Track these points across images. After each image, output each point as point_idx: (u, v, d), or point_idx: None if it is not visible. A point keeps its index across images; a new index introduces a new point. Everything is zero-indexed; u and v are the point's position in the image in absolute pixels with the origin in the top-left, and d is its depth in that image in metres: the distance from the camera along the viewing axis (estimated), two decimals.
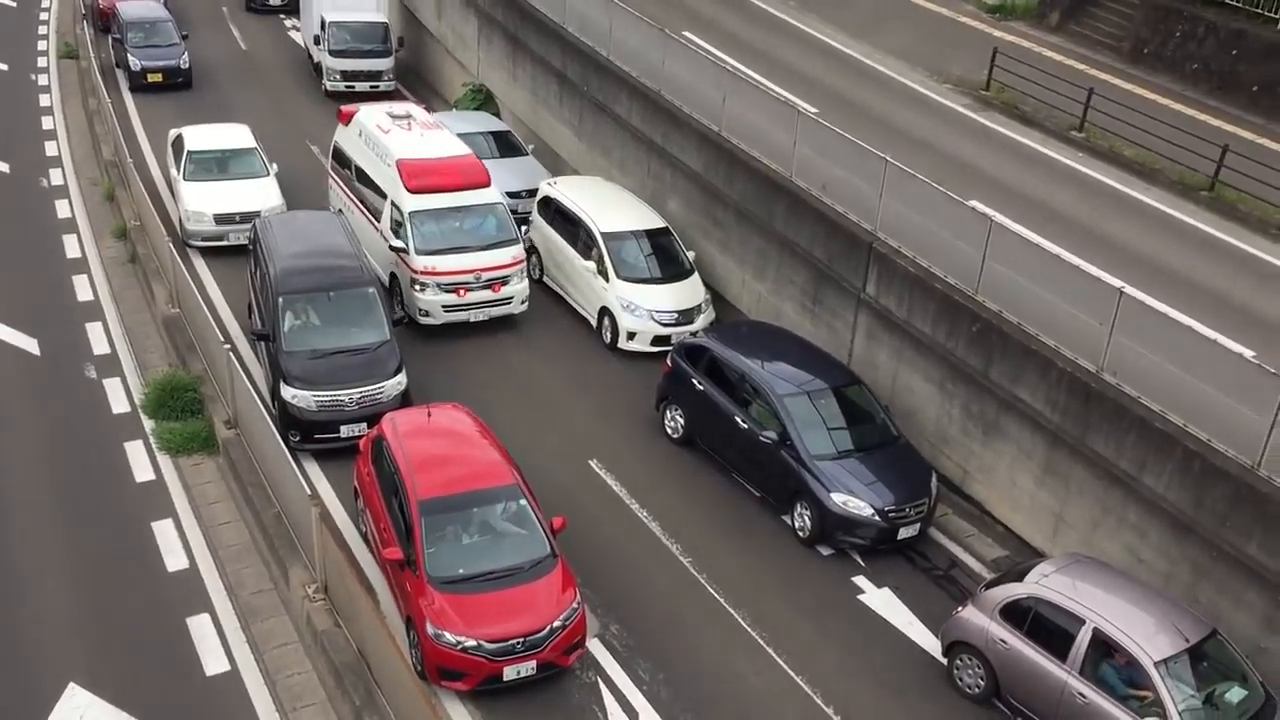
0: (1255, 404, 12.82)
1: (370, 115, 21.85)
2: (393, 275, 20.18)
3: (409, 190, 19.77)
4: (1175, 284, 16.90)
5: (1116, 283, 14.46)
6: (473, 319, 19.78)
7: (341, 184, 22.31)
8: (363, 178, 21.24)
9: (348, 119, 22.29)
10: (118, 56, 31.85)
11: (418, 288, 19.43)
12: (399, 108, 22.54)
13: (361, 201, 21.34)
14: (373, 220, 20.76)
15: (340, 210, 21.76)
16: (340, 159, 22.38)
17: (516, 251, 20.09)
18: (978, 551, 15.69)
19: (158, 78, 30.64)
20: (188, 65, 31.06)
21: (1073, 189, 20.58)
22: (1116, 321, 14.11)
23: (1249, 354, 13.60)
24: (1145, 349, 13.92)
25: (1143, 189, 20.81)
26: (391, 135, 20.93)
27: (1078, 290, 14.68)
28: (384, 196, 20.30)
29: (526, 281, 20.35)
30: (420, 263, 19.33)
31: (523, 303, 20.31)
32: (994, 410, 15.79)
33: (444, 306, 19.53)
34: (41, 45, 35.20)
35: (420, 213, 19.66)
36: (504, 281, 19.87)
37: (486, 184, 20.45)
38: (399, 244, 19.48)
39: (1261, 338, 15.37)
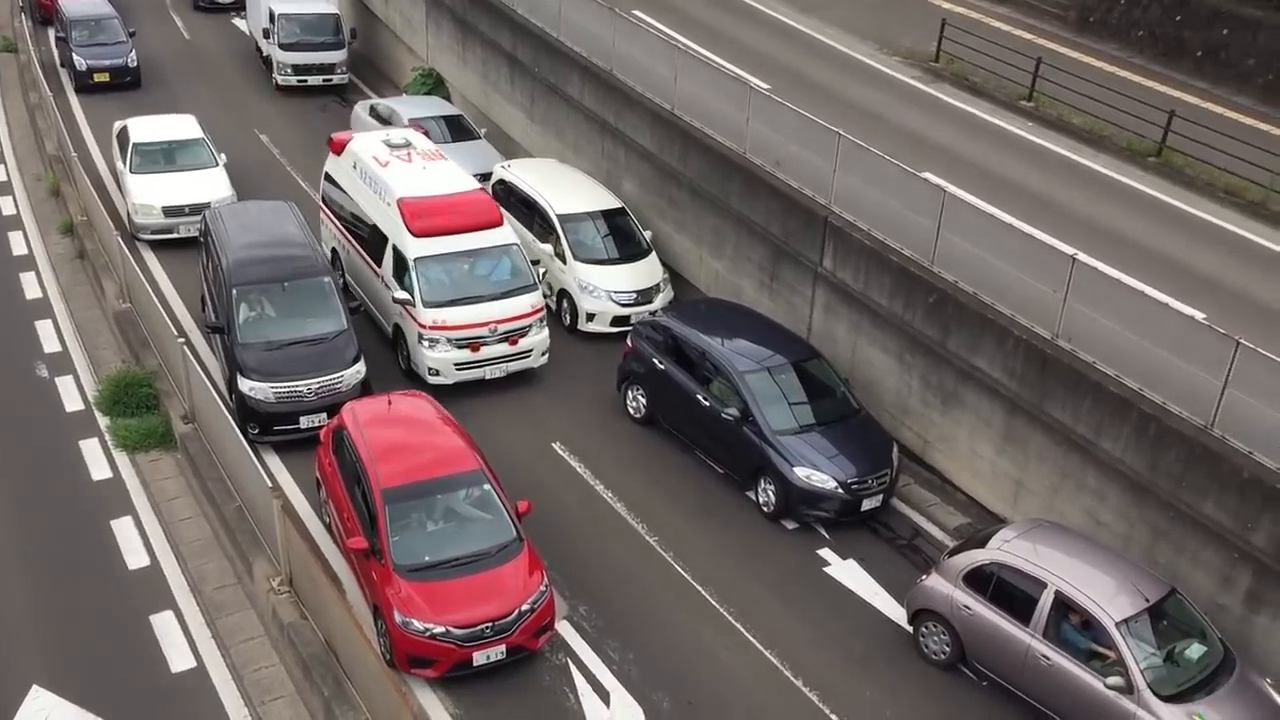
0: (1207, 365, 13.01)
1: (366, 145, 19.87)
2: (396, 328, 18.16)
3: (413, 233, 17.74)
4: (1126, 249, 17.09)
5: (1069, 250, 14.61)
6: (488, 376, 17.80)
7: (335, 221, 20.34)
8: (359, 216, 19.36)
9: (340, 148, 20.27)
10: (62, 55, 30.61)
11: (426, 344, 17.36)
12: (396, 135, 20.40)
13: (359, 242, 19.37)
14: (372, 264, 18.78)
15: (335, 250, 20.21)
16: (333, 193, 20.44)
17: (535, 299, 18.05)
18: (940, 520, 15.86)
19: (105, 77, 29.35)
20: (136, 64, 29.76)
21: (1023, 158, 20.75)
22: (1070, 288, 14.26)
23: (1200, 316, 13.80)
24: (1099, 315, 14.09)
25: (1092, 156, 21.02)
26: (390, 169, 18.97)
27: (1031, 258, 14.82)
28: (384, 239, 18.33)
29: (546, 330, 18.27)
30: (428, 316, 17.31)
31: (543, 354, 18.26)
32: (952, 380, 15.93)
33: (456, 364, 17.50)
34: None
35: (426, 259, 17.61)
36: (522, 333, 17.85)
37: (499, 223, 18.41)
38: (403, 295, 17.48)
39: (1212, 300, 15.58)
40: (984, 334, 15.30)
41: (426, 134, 21.78)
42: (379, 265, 18.50)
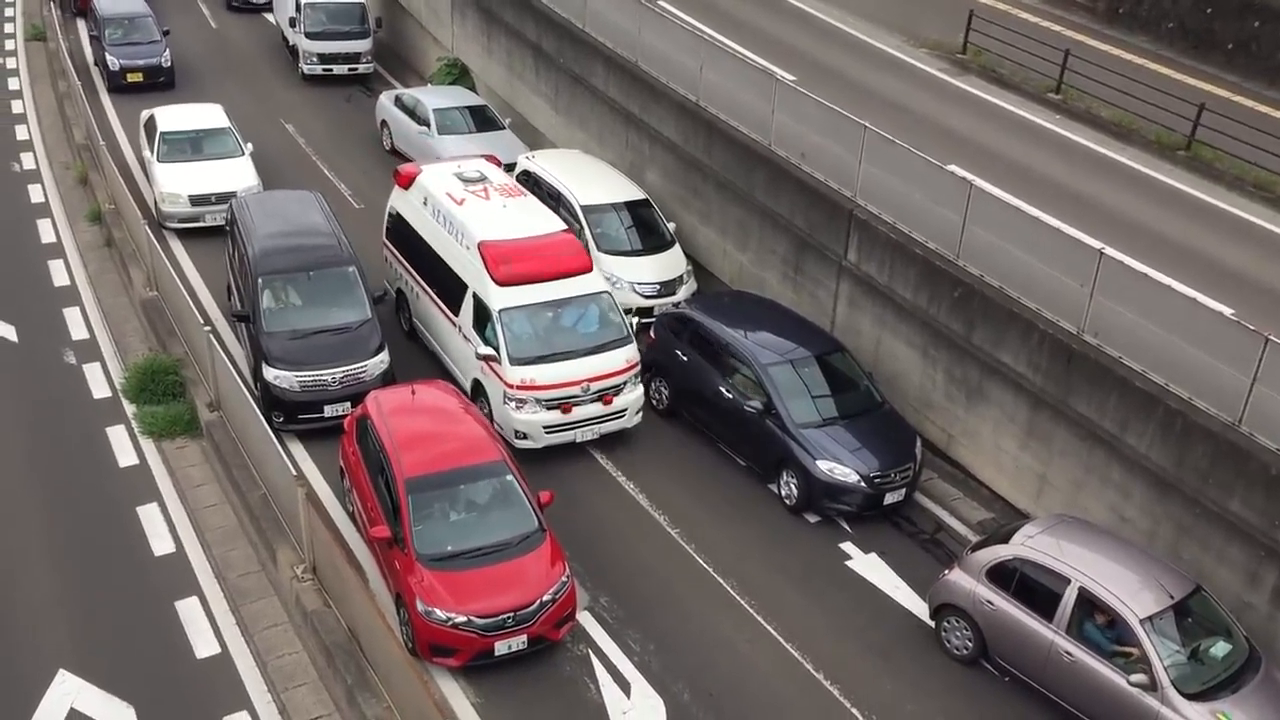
0: (1235, 361, 12.90)
1: (437, 179, 18.44)
2: (476, 383, 16.61)
3: (496, 282, 16.25)
4: (1154, 243, 16.96)
5: (1096, 244, 14.50)
6: (580, 439, 16.33)
7: (403, 262, 18.70)
8: (433, 259, 17.71)
9: (407, 181, 18.77)
10: (95, 54, 30.09)
11: (513, 405, 15.84)
12: (469, 168, 18.89)
13: (432, 287, 17.79)
14: (448, 313, 17.26)
15: (400, 290, 18.87)
16: (400, 232, 18.80)
17: (630, 353, 16.47)
18: (963, 515, 15.80)
19: (138, 77, 28.58)
20: (170, 64, 28.98)
21: (1051, 151, 20.60)
22: (1097, 282, 14.16)
23: (1228, 311, 13.68)
24: (1126, 309, 13.99)
25: (1120, 149, 20.84)
26: (467, 207, 17.52)
27: (1058, 252, 14.72)
28: (462, 286, 16.84)
29: (641, 388, 16.80)
30: (516, 375, 15.77)
31: (637, 413, 16.69)
32: (977, 374, 15.85)
33: (545, 427, 15.98)
34: (9, 28, 34.74)
35: (512, 310, 16.13)
36: (617, 391, 16.34)
37: (589, 268, 16.95)
38: (488, 351, 16.03)
39: (1240, 295, 15.44)
40: (1009, 328, 15.22)
41: (499, 163, 20.28)
42: (455, 313, 17.00)
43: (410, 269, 18.40)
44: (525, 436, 15.92)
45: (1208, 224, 18.35)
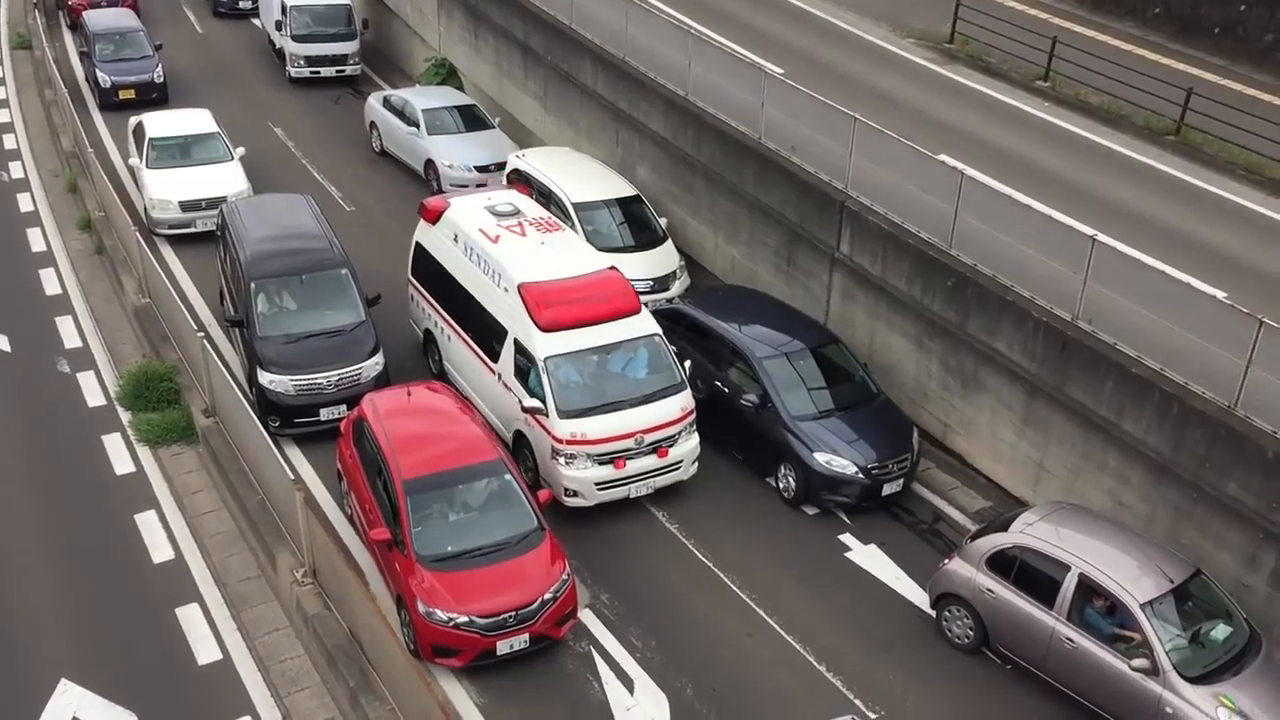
0: (1230, 344, 12.93)
1: (468, 214, 17.21)
2: (519, 436, 15.52)
3: (540, 327, 15.04)
4: (1146, 229, 16.98)
5: (1089, 230, 14.52)
6: (634, 495, 15.18)
7: (432, 302, 17.54)
8: (466, 301, 16.59)
9: (434, 216, 17.56)
10: (86, 71, 29.48)
11: (562, 460, 14.70)
12: (501, 200, 17.76)
13: (466, 331, 16.66)
14: (485, 359, 16.12)
15: (429, 331, 17.81)
16: (428, 269, 17.61)
17: (685, 401, 15.31)
18: (961, 504, 15.82)
19: (130, 94, 27.78)
20: (162, 79, 28.27)
21: (1041, 139, 20.61)
22: (1090, 269, 14.18)
23: (1221, 295, 13.70)
24: (1119, 295, 14.01)
25: (1110, 136, 20.86)
26: (503, 245, 16.31)
27: (1050, 239, 14.73)
28: (501, 330, 15.71)
29: (696, 437, 15.58)
30: (564, 429, 14.59)
31: (693, 464, 15.58)
32: (972, 363, 15.87)
33: (598, 484, 14.85)
34: None
35: (558, 358, 14.94)
36: (672, 442, 15.23)
37: (637, 308, 15.69)
38: (534, 403, 14.82)
39: (1233, 278, 15.47)
40: (1003, 316, 15.24)
41: (529, 191, 19.40)
42: (493, 360, 15.88)
43: (440, 310, 17.29)
44: (576, 494, 14.77)
45: (1199, 208, 18.38)
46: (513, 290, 15.51)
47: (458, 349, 16.87)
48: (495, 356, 15.82)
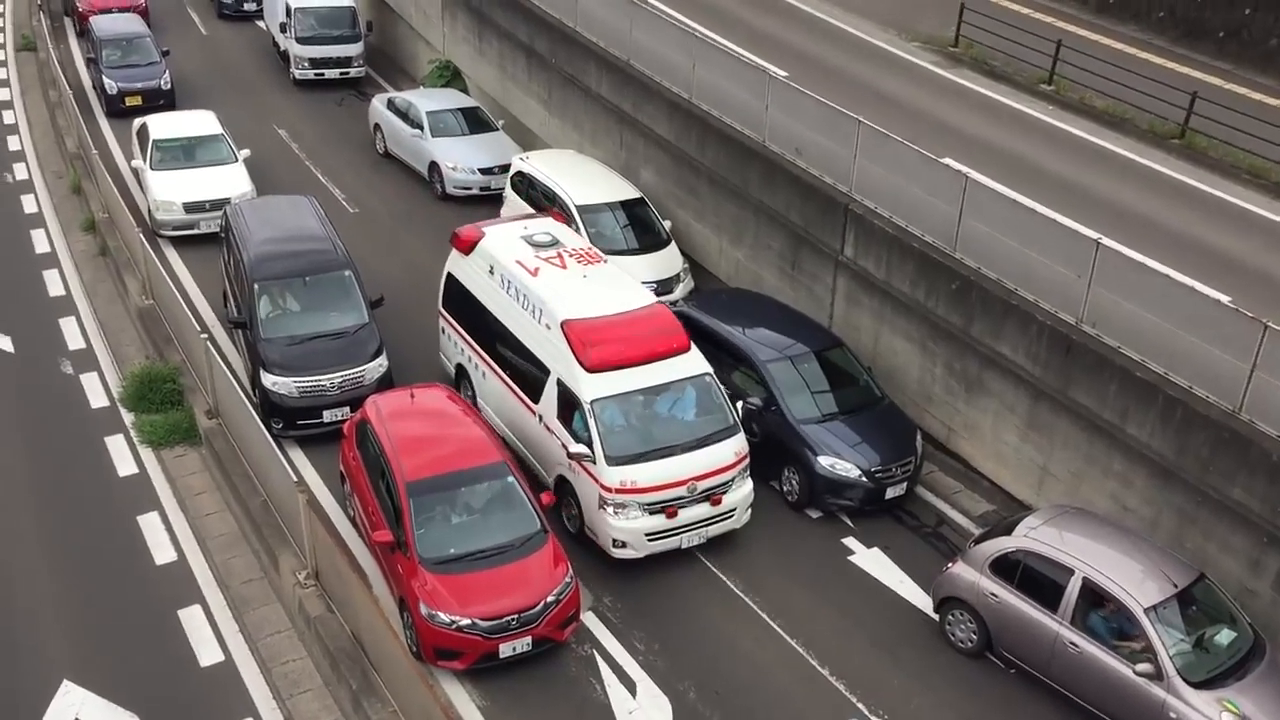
0: (1234, 348, 12.90)
1: (504, 244, 16.34)
2: (562, 481, 14.69)
3: (586, 367, 14.23)
4: (1150, 232, 16.96)
5: (1093, 234, 14.50)
6: (685, 544, 14.36)
7: (465, 336, 16.74)
8: (504, 338, 15.77)
9: (468, 246, 16.63)
10: (92, 78, 29.16)
11: (610, 510, 13.91)
12: (538, 229, 16.78)
13: (504, 369, 15.83)
14: (524, 399, 15.30)
15: (461, 366, 16.98)
16: (461, 302, 16.79)
17: (739, 445, 14.49)
18: (965, 507, 15.80)
19: (137, 100, 27.33)
20: (170, 85, 27.79)
21: (1045, 142, 20.60)
22: (1094, 272, 14.16)
23: (1225, 299, 13.68)
24: (1124, 299, 13.99)
25: (1114, 139, 20.85)
26: (543, 279, 15.43)
27: (1055, 243, 14.72)
28: (542, 369, 14.88)
29: (750, 483, 14.78)
30: (613, 477, 13.78)
31: (746, 511, 14.77)
32: (976, 367, 15.84)
33: (648, 534, 14.03)
34: None
35: (606, 400, 14.13)
36: (725, 489, 14.37)
37: (686, 346, 14.86)
38: (580, 449, 14.03)
39: (1237, 282, 15.44)
40: (1007, 320, 15.22)
41: (565, 220, 18.47)
42: (534, 400, 15.07)
43: (474, 345, 16.47)
44: (624, 545, 14.00)
45: (1203, 212, 18.36)
46: (555, 327, 14.69)
47: (494, 386, 16.07)
48: (536, 396, 15.02)
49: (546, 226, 17.05)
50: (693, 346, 14.98)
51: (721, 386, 14.89)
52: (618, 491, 13.77)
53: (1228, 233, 17.62)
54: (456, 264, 17.00)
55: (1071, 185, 18.68)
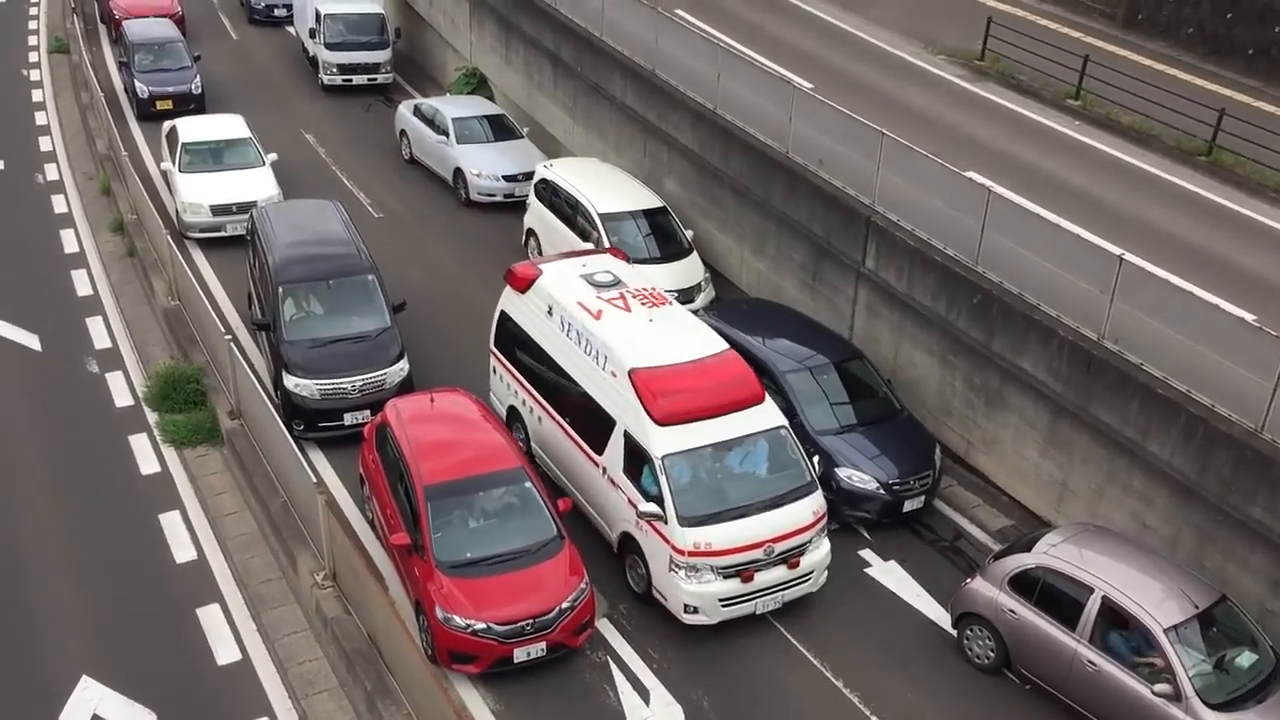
0: (1258, 367, 12.81)
1: (563, 284, 15.51)
2: (627, 538, 13.97)
3: (656, 420, 13.44)
4: (1175, 249, 16.87)
5: (1116, 250, 14.43)
6: (760, 610, 13.56)
7: (519, 379, 15.97)
8: (564, 383, 14.98)
9: (524, 284, 15.81)
10: (124, 82, 29.45)
11: (681, 573, 13.15)
12: (597, 267, 15.93)
13: (563, 416, 15.02)
14: (585, 449, 14.54)
15: (514, 408, 16.20)
16: (516, 342, 16.02)
17: (816, 503, 13.70)
18: (983, 522, 15.74)
19: (167, 105, 27.53)
20: (200, 90, 28.07)
21: (1070, 157, 20.52)
22: (1117, 288, 14.10)
23: (1250, 318, 13.59)
24: (1146, 315, 13.91)
25: (1140, 155, 20.76)
26: (606, 322, 14.60)
27: (1078, 258, 14.66)
28: (606, 420, 14.06)
29: (827, 543, 13.96)
30: (687, 538, 12.98)
31: (823, 573, 13.94)
32: (996, 381, 15.79)
33: (722, 600, 13.26)
34: (32, 41, 35.06)
35: (678, 456, 13.32)
36: (802, 551, 13.57)
37: (760, 397, 14.09)
38: (651, 508, 13.18)
39: (1262, 301, 15.34)
40: (1029, 335, 15.16)
41: (626, 258, 17.32)
42: (597, 452, 14.29)
43: (529, 388, 15.73)
44: (697, 611, 13.22)
45: (1229, 229, 18.25)
46: (622, 375, 13.86)
47: (551, 433, 15.31)
48: (599, 447, 14.22)
49: (607, 264, 16.18)
50: (767, 397, 14.22)
51: (798, 441, 14.16)
52: (691, 554, 13.00)
53: (1254, 251, 17.50)
54: (511, 302, 16.17)
55: (1096, 201, 18.59)
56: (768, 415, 14.01)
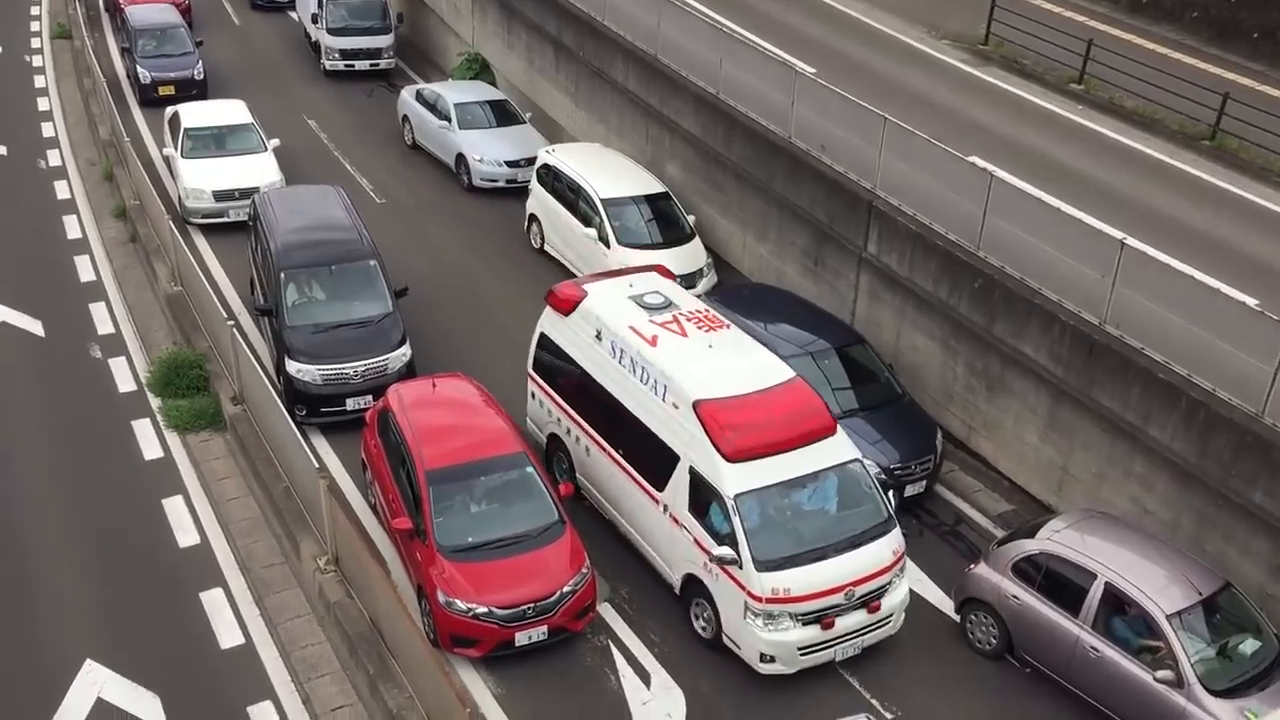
0: (1259, 352, 12.80)
1: (611, 306, 14.61)
2: (692, 581, 13.16)
3: (726, 456, 12.58)
4: (1177, 234, 16.83)
5: (1118, 234, 14.41)
6: (839, 658, 12.84)
7: (563, 405, 15.08)
8: (617, 413, 14.08)
9: (570, 306, 14.91)
10: (127, 68, 29.43)
11: (759, 620, 12.32)
12: (645, 287, 15.03)
13: (615, 446, 14.15)
14: (643, 484, 13.68)
15: (555, 435, 15.35)
16: (558, 367, 15.17)
17: (895, 542, 12.96)
18: (984, 506, 15.75)
19: (170, 90, 27.43)
20: (202, 76, 28.02)
21: (1074, 142, 20.47)
22: (1119, 273, 14.08)
23: (1252, 302, 13.56)
24: (1148, 300, 13.90)
25: (1144, 140, 20.70)
26: (663, 349, 13.70)
27: (1079, 243, 14.64)
28: (670, 456, 13.20)
29: (906, 584, 13.17)
30: (765, 584, 12.16)
31: (902, 615, 13.15)
32: (998, 366, 15.79)
33: (800, 649, 12.50)
34: (35, 26, 35.02)
35: (751, 495, 12.49)
36: (883, 593, 12.84)
37: (832, 428, 13.23)
38: (726, 552, 12.29)
39: (1265, 285, 15.31)
40: (1030, 319, 15.15)
41: (674, 277, 16.40)
42: (657, 487, 13.44)
43: (576, 416, 14.83)
44: (774, 660, 12.45)
45: (1232, 214, 18.20)
46: (686, 407, 13.00)
47: (601, 465, 14.43)
48: (658, 483, 13.40)
49: (655, 284, 15.25)
50: (839, 428, 13.44)
51: (873, 474, 13.50)
52: (769, 600, 12.17)
53: (1257, 235, 17.46)
54: (553, 325, 15.28)
55: (1099, 185, 18.55)
56: (840, 448, 13.18)
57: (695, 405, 12.96)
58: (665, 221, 20.60)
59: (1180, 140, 20.62)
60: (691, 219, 20.82)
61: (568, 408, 15.02)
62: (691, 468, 12.94)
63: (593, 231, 20.26)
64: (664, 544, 13.54)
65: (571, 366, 14.87)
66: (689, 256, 20.16)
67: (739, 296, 18.33)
